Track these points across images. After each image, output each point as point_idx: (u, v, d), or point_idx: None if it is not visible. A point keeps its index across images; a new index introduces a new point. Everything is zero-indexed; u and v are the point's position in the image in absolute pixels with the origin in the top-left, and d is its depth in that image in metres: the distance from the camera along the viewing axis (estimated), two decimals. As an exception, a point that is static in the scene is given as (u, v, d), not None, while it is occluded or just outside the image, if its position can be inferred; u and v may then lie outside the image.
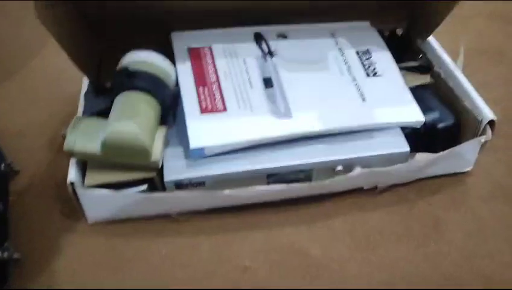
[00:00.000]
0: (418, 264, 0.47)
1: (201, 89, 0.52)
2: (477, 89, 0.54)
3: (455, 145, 0.52)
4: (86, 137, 0.46)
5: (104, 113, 0.48)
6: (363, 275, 0.46)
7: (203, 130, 0.49)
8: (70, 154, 0.47)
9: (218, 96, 0.52)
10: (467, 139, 0.52)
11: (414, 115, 0.52)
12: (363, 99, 0.53)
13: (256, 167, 0.49)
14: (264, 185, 0.49)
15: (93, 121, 0.48)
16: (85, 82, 0.56)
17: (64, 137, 0.47)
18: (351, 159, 0.50)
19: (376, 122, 0.51)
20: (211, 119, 0.50)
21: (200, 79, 0.53)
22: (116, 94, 0.48)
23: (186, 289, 0.45)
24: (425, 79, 0.60)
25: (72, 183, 0.46)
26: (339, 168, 0.50)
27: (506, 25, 0.76)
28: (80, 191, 0.46)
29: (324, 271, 0.47)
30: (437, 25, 0.59)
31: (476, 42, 0.72)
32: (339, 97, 0.53)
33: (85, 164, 0.49)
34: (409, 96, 0.54)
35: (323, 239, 0.49)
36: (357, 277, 0.46)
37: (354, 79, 0.55)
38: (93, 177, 0.48)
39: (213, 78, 0.53)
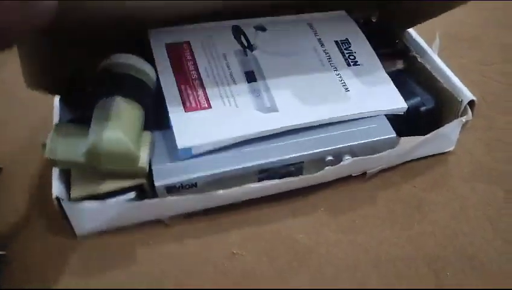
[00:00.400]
0: (402, 246, 0.47)
1: (183, 86, 0.51)
2: (454, 72, 0.55)
3: (436, 126, 0.53)
4: (68, 144, 0.45)
5: (84, 119, 0.47)
6: (349, 258, 0.46)
7: (189, 129, 0.48)
8: (52, 162, 0.45)
9: (201, 94, 0.51)
10: (448, 120, 0.53)
11: (397, 103, 0.53)
12: (346, 90, 0.53)
13: (247, 164, 0.48)
14: (255, 181, 0.48)
15: (75, 128, 0.46)
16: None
17: (44, 146, 0.44)
18: (340, 148, 0.50)
19: (361, 111, 0.52)
20: (196, 117, 0.49)
21: (181, 76, 0.52)
22: (97, 99, 0.46)
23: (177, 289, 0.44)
24: (400, 64, 0.60)
25: (57, 197, 0.44)
26: (329, 158, 0.50)
27: (482, 11, 0.78)
28: (66, 205, 0.44)
29: (311, 256, 0.46)
30: (420, 22, 0.60)
31: (452, 27, 0.74)
32: (323, 88, 0.53)
33: (68, 173, 0.47)
34: (391, 84, 0.55)
35: (309, 225, 0.49)
36: (344, 259, 0.46)
37: (336, 69, 0.55)
38: (79, 189, 0.45)
39: (194, 75, 0.52)
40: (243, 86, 0.52)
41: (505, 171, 0.53)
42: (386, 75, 0.56)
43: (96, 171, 0.45)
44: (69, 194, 0.45)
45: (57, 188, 0.44)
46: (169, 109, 0.49)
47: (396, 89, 0.54)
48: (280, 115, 0.50)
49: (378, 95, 0.53)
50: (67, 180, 0.46)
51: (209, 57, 0.54)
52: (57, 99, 0.53)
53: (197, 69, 0.53)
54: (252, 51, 0.55)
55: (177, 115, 0.48)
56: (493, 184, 0.52)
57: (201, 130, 0.48)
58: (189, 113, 0.49)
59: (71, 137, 0.45)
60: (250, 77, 0.53)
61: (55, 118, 0.51)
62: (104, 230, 0.47)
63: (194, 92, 0.51)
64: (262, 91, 0.52)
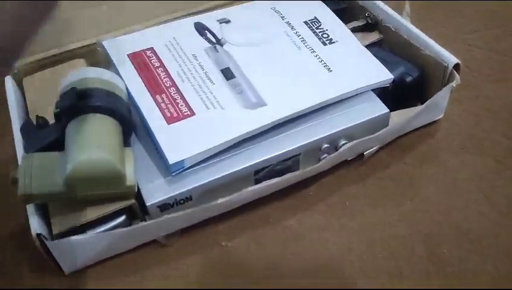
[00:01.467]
0: (396, 225, 0.46)
1: (159, 97, 0.46)
2: (434, 40, 0.53)
3: (423, 96, 0.52)
4: (43, 176, 0.39)
5: (53, 145, 0.41)
6: (342, 241, 0.45)
7: (177, 141, 0.43)
8: (27, 199, 0.39)
9: (180, 101, 0.46)
10: (434, 87, 0.51)
11: (382, 75, 0.50)
12: (329, 70, 0.50)
13: (242, 166, 0.44)
14: (252, 182, 0.45)
15: (46, 157, 0.40)
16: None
17: (15, 181, 0.38)
18: (335, 133, 0.47)
19: (350, 90, 0.49)
20: (181, 127, 0.44)
21: (155, 87, 0.47)
22: (67, 121, 0.40)
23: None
24: (375, 36, 0.58)
25: (38, 235, 0.38)
26: (325, 145, 0.47)
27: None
28: (50, 244, 0.39)
29: (303, 241, 0.45)
30: None
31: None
32: (306, 72, 0.50)
33: (46, 208, 0.41)
34: (372, 57, 0.52)
35: (299, 211, 0.47)
36: (337, 243, 0.45)
37: (313, 51, 0.52)
38: (61, 222, 0.40)
39: (168, 82, 0.48)
40: (223, 85, 0.48)
41: (495, 141, 0.53)
42: (364, 48, 0.53)
43: (78, 198, 0.40)
44: (51, 231, 0.40)
45: (36, 225, 0.39)
46: (150, 124, 0.44)
47: (378, 61, 0.52)
48: (270, 108, 0.46)
49: (362, 69, 0.51)
50: (45, 215, 0.41)
51: (178, 61, 0.50)
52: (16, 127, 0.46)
53: (169, 76, 0.48)
54: (222, 46, 0.51)
55: (160, 130, 0.44)
56: (484, 155, 0.51)
57: (191, 140, 0.43)
58: (172, 124, 0.44)
59: (44, 167, 0.39)
60: (228, 74, 0.49)
61: (18, 150, 0.44)
62: (96, 262, 0.43)
63: (172, 101, 0.46)
64: (244, 87, 0.48)
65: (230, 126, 0.44)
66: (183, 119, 0.45)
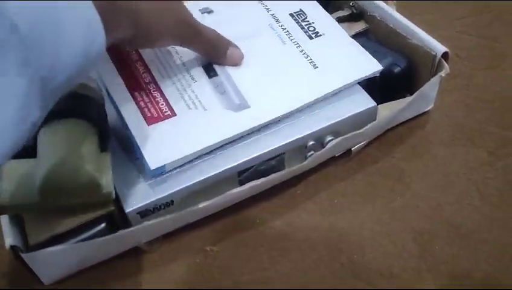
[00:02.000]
0: (386, 222, 0.45)
1: (137, 94, 0.44)
2: (422, 28, 0.51)
3: (411, 86, 0.50)
4: (15, 185, 0.37)
5: (25, 152, 0.39)
6: (331, 241, 0.44)
7: (158, 144, 0.41)
8: (0, 210, 0.37)
9: (160, 100, 0.44)
10: (423, 78, 0.50)
11: (371, 66, 0.48)
12: (315, 66, 0.48)
13: (225, 167, 0.42)
14: (236, 183, 0.44)
15: (18, 165, 0.38)
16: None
17: None
18: (320, 130, 0.45)
19: (336, 87, 0.47)
20: (162, 129, 0.42)
21: (133, 82, 0.45)
22: (39, 128, 0.38)
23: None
24: (361, 25, 0.56)
25: (13, 247, 0.37)
26: (311, 142, 0.46)
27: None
28: (26, 257, 0.37)
29: (291, 242, 0.44)
30: None
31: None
32: (290, 71, 0.48)
33: (20, 219, 0.39)
34: (359, 48, 0.50)
35: (286, 209, 0.46)
36: (325, 243, 0.43)
37: (298, 45, 0.50)
38: (37, 233, 0.38)
39: (147, 78, 0.45)
40: (205, 83, 0.46)
41: (487, 131, 0.51)
42: (351, 39, 0.51)
43: (55, 208, 0.38)
44: (26, 242, 0.38)
45: (10, 236, 0.37)
46: (128, 124, 0.42)
47: (366, 52, 0.50)
48: (253, 110, 0.44)
49: (349, 63, 0.49)
50: (19, 225, 0.39)
51: (158, 54, 0.47)
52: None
53: (148, 71, 0.46)
54: None
55: (139, 131, 0.41)
56: (475, 147, 0.50)
57: (172, 143, 0.41)
58: (152, 126, 0.42)
59: (16, 176, 0.37)
60: (210, 71, 0.47)
61: None
62: (76, 271, 0.41)
63: (152, 99, 0.44)
64: (226, 86, 0.46)
65: (213, 130, 0.43)
66: (163, 119, 0.43)
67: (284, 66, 0.48)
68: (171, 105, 0.44)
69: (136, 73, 0.45)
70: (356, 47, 0.50)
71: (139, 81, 0.45)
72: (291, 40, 0.50)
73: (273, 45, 0.50)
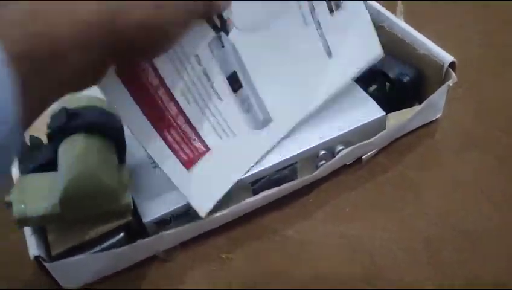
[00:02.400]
0: (396, 231, 0.45)
1: (168, 135, 0.39)
2: (430, 39, 0.52)
3: (420, 95, 0.51)
4: (37, 198, 0.39)
5: (47, 166, 0.40)
6: (343, 249, 0.44)
7: (200, 189, 0.42)
8: (23, 222, 0.39)
9: (192, 135, 0.41)
10: (431, 87, 0.51)
11: (373, 51, 0.48)
12: (329, 54, 0.46)
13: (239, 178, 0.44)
14: (250, 192, 0.45)
15: (40, 178, 0.40)
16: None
17: (8, 204, 0.38)
18: (331, 139, 0.46)
19: (345, 80, 0.47)
20: (200, 170, 0.41)
21: (158, 118, 0.39)
22: (59, 141, 0.40)
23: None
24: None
25: (37, 257, 0.38)
26: (322, 152, 0.47)
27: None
28: (50, 266, 0.39)
29: (303, 251, 0.44)
30: None
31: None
32: (307, 64, 0.45)
33: (43, 229, 0.41)
34: (369, 26, 0.47)
35: (298, 218, 0.47)
36: (338, 252, 0.44)
37: (319, 26, 0.45)
38: (59, 243, 0.40)
39: (172, 109, 0.39)
40: (231, 102, 0.42)
41: (495, 137, 0.52)
42: (369, 20, 0.47)
43: (76, 219, 0.40)
44: (49, 251, 0.40)
45: (34, 246, 0.39)
46: (166, 172, 0.40)
47: (373, 32, 0.47)
48: (275, 124, 0.45)
49: (357, 50, 0.47)
50: (42, 236, 0.41)
51: (180, 71, 0.39)
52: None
53: (172, 98, 0.39)
54: (227, 34, 0.40)
55: (180, 179, 0.41)
56: (485, 153, 0.50)
57: (213, 183, 0.43)
58: (191, 169, 0.41)
59: (38, 189, 0.39)
60: (235, 83, 0.42)
61: (15, 171, 0.43)
62: (96, 280, 0.43)
63: (184, 136, 0.40)
64: (251, 99, 0.43)
65: (244, 157, 0.44)
66: (199, 159, 0.42)
67: (301, 58, 0.45)
68: (203, 138, 0.42)
69: (158, 101, 0.39)
70: (368, 28, 0.48)
71: (164, 113, 0.39)
72: (312, 16, 0.45)
73: (294, 28, 0.44)
